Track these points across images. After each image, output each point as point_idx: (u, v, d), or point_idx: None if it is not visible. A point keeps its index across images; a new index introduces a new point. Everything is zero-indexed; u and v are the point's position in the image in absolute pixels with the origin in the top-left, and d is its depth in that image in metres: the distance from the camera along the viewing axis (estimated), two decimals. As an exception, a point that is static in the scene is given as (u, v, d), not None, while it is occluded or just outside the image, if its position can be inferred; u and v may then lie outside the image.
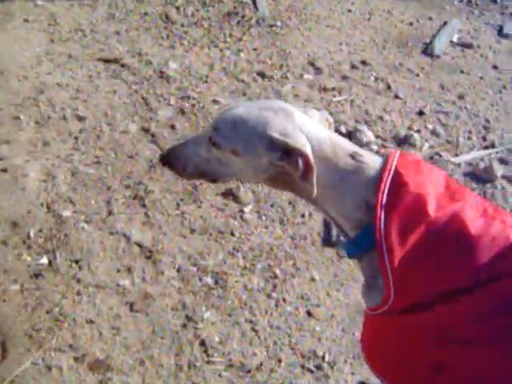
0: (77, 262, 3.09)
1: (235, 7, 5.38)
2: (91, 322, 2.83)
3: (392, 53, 5.15)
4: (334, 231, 3.47)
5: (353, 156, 1.75)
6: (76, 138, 3.81)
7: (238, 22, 5.22)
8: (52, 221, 3.27)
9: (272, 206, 3.60)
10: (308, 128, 1.77)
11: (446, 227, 1.60)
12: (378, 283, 1.71)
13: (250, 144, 1.72)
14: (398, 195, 1.64)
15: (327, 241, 3.45)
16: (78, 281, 3.00)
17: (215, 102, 4.30)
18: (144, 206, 3.46)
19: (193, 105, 4.24)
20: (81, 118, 3.95)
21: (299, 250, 3.36)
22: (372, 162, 1.73)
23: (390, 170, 1.68)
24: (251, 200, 3.61)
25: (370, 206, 1.68)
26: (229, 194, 3.62)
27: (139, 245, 3.23)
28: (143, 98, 4.23)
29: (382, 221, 1.63)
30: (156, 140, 3.89)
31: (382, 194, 1.65)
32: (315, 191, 1.67)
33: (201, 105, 4.25)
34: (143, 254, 3.19)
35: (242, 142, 1.73)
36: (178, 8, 5.27)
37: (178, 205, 3.51)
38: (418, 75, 4.90)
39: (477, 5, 6.12)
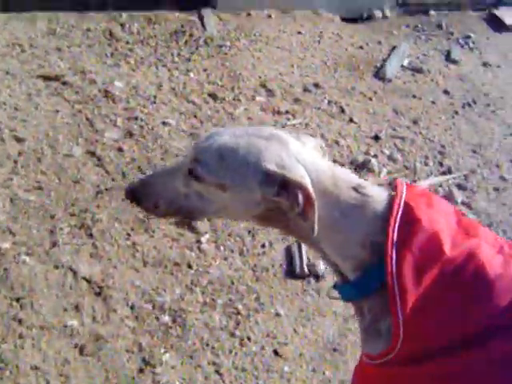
0: (18, 299, 2.76)
1: (182, 26, 5.16)
2: (36, 368, 2.52)
3: (344, 76, 5.06)
4: (297, 261, 3.28)
5: (356, 189, 1.57)
6: (15, 162, 3.48)
7: (186, 41, 5.00)
8: (-12, 254, 2.94)
9: (230, 235, 3.38)
10: (305, 157, 1.59)
11: (463, 267, 1.46)
12: (381, 329, 1.55)
13: (241, 177, 1.53)
14: (410, 232, 1.47)
15: (290, 272, 3.25)
16: (20, 322, 2.67)
17: (165, 123, 4.06)
18: (91, 236, 3.17)
19: (141, 126, 3.98)
20: (20, 140, 3.62)
21: (262, 282, 3.14)
22: (377, 195, 1.56)
23: (399, 203, 1.51)
24: (208, 229, 3.38)
25: (376, 244, 1.51)
26: (183, 223, 3.38)
27: (87, 280, 2.93)
28: (88, 119, 3.94)
29: (394, 260, 1.46)
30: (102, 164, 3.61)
31: (393, 230, 1.47)
32: (316, 230, 1.49)
33: (149, 126, 4.00)
34: (92, 289, 2.89)
35: (231, 175, 1.53)
36: (122, 25, 5.00)
37: (128, 235, 3.24)
38: (370, 99, 4.82)
39: (423, 30, 6.13)
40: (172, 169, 1.68)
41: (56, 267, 2.95)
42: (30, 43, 4.51)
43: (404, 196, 1.52)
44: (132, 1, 5.29)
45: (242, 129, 1.65)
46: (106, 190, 3.46)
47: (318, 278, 3.23)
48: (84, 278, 2.93)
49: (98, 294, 2.87)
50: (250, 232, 3.42)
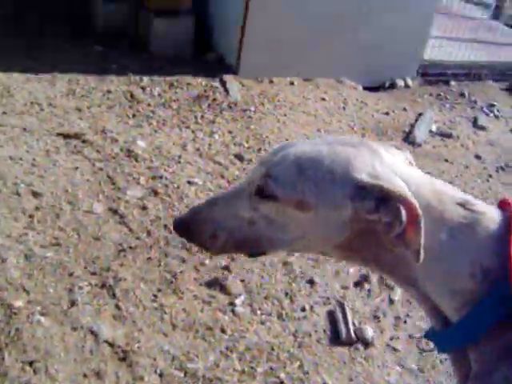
0: (31, 363, 2.41)
1: (205, 90, 5.02)
2: None
3: (372, 140, 4.86)
4: (342, 326, 2.93)
5: (463, 205, 1.29)
6: (31, 216, 3.20)
7: (209, 105, 4.84)
8: (0, 312, 2.60)
9: (266, 297, 3.05)
10: (400, 168, 1.32)
11: None
12: (498, 381, 1.21)
13: (327, 192, 1.27)
14: None
15: (335, 338, 2.90)
16: (33, 389, 2.31)
17: (190, 183, 3.81)
18: (114, 296, 2.84)
19: (166, 185, 3.73)
20: (36, 194, 3.36)
21: (305, 349, 2.79)
22: (490, 211, 1.29)
23: None
24: (242, 291, 3.05)
25: (487, 271, 1.24)
26: (215, 284, 3.06)
27: (110, 343, 2.59)
28: (109, 177, 3.69)
29: None
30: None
31: None
32: (422, 255, 1.21)
33: (175, 185, 3.75)
34: (116, 354, 2.54)
35: (314, 189, 1.27)
36: (143, 88, 4.86)
37: (154, 296, 2.91)
38: (403, 163, 4.59)
39: (447, 98, 6.01)
40: (232, 192, 1.42)
41: (74, 329, 2.61)
42: (49, 102, 4.34)
43: None
44: (151, 67, 5.19)
45: (320, 139, 1.40)
46: (130, 248, 3.16)
47: (366, 344, 2.88)
48: (106, 342, 2.58)
49: (123, 360, 2.52)
50: (287, 294, 3.09)
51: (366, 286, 3.26)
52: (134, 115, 4.46)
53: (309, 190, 1.27)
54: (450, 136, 5.17)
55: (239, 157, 4.22)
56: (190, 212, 1.42)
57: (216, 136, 4.43)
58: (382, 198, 1.22)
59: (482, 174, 4.70)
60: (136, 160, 3.91)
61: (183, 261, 3.16)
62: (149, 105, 4.65)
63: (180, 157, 4.06)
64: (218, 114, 4.72)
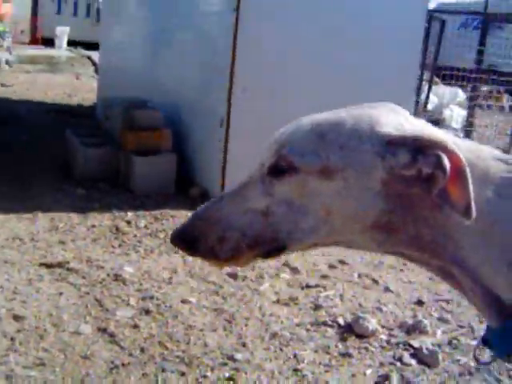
0: None
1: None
2: None
3: (368, 253, 4.71)
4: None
5: (506, 161, 1.15)
6: (12, 339, 2.90)
7: (196, 233, 4.71)
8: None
9: (279, 405, 2.71)
10: (427, 126, 1.21)
11: None
12: None
13: (353, 153, 1.13)
14: None
15: None
16: None
17: (184, 301, 3.56)
18: (108, 414, 2.50)
19: (157, 305, 3.48)
20: (18, 318, 3.08)
21: None
22: None
23: None
24: (251, 400, 2.72)
25: None
26: (220, 395, 2.73)
27: None
28: (96, 300, 3.43)
29: None
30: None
31: None
32: (473, 209, 1.04)
33: (167, 304, 3.49)
34: None
35: (339, 152, 1.14)
36: (128, 222, 4.74)
37: (156, 412, 2.57)
38: (402, 270, 4.42)
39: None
40: (238, 186, 1.25)
41: None
42: (31, 238, 4.17)
43: None
44: (135, 204, 5.12)
45: (334, 110, 1.26)
46: (123, 365, 2.84)
47: None
48: None
49: None
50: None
51: (387, 386, 2.94)
52: (119, 245, 4.29)
53: (333, 153, 1.13)
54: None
55: (233, 276, 4.01)
56: (190, 218, 1.26)
57: (207, 259, 4.24)
58: (419, 149, 1.08)
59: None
60: (124, 283, 3.68)
61: (182, 374, 2.84)
62: (135, 236, 4.50)
63: (171, 278, 3.85)
64: (206, 240, 4.57)
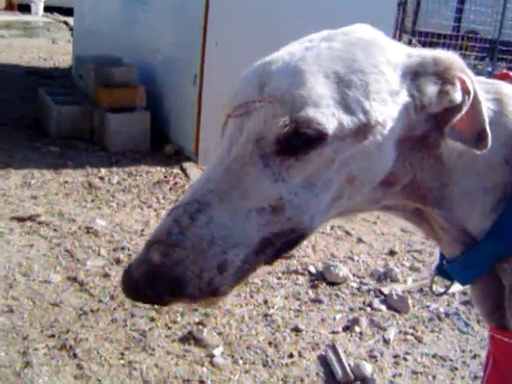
0: (-24, 426, 2.03)
1: (165, 176, 4.89)
2: None
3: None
4: (337, 366, 2.61)
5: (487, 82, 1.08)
6: (-20, 288, 2.89)
7: (171, 188, 4.70)
8: None
9: (248, 348, 2.73)
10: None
11: None
12: None
13: (382, 94, 0.93)
14: None
15: (332, 380, 2.57)
16: None
17: (156, 252, 3.55)
18: (75, 356, 2.51)
19: (129, 255, 3.47)
20: (-13, 268, 3.07)
21: (297, 393, 2.45)
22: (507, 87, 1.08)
23: None
24: (219, 343, 2.74)
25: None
26: (189, 339, 2.74)
27: (72, 401, 2.23)
28: (67, 251, 3.42)
29: None
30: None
31: None
32: (489, 139, 0.95)
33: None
34: (79, 411, 2.18)
35: (369, 99, 0.91)
36: (101, 178, 4.71)
37: (121, 354, 2.58)
38: (375, 223, 4.44)
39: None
40: (223, 181, 0.89)
41: (30, 389, 2.25)
42: (3, 193, 4.13)
43: None
44: (109, 161, 5.08)
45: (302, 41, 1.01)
46: (92, 311, 2.85)
47: (364, 381, 2.55)
48: (67, 399, 2.22)
49: (87, 415, 2.15)
50: (271, 343, 2.78)
51: (357, 329, 2.97)
52: (92, 200, 4.26)
53: (364, 103, 0.90)
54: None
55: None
56: (155, 247, 0.85)
57: (180, 213, 4.23)
58: (441, 75, 0.96)
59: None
60: (95, 235, 3.67)
61: (152, 319, 2.85)
62: (108, 191, 4.47)
63: (143, 231, 3.84)
64: (180, 195, 4.56)
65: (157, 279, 0.83)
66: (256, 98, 0.89)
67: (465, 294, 3.41)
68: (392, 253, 3.92)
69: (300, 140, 0.86)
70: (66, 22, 15.44)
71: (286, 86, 0.88)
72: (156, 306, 2.91)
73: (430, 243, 4.15)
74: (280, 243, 0.90)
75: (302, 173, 0.88)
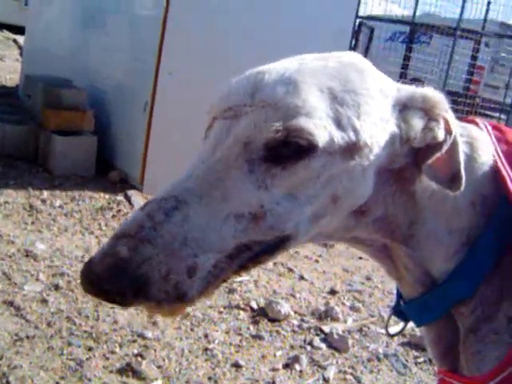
0: None
1: (109, 203, 4.82)
2: None
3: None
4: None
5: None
6: None
7: (114, 215, 4.62)
8: None
9: (188, 382, 2.69)
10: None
11: None
12: (498, 328, 1.04)
13: (373, 117, 0.96)
14: None
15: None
16: None
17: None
18: (8, 383, 2.40)
19: (68, 281, 3.39)
20: None
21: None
22: (481, 136, 1.13)
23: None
24: (158, 375, 2.68)
25: (485, 198, 1.07)
26: (127, 370, 2.68)
27: (1, 432, 2.13)
28: (4, 274, 3.31)
29: None
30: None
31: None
32: (463, 182, 0.98)
33: (79, 281, 3.40)
34: None
35: (361, 119, 0.94)
36: (43, 200, 4.60)
37: (56, 383, 2.49)
38: (317, 261, 4.48)
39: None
40: (204, 183, 0.87)
41: (-43, 418, 2.14)
42: None
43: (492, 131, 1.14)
44: (52, 184, 4.97)
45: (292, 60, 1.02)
46: (28, 337, 2.75)
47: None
48: (-3, 429, 2.13)
49: None
50: (211, 378, 2.75)
51: (297, 366, 2.97)
52: (32, 222, 4.15)
53: (355, 123, 0.92)
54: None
55: (149, 258, 3.95)
56: (123, 241, 0.80)
57: (123, 240, 4.17)
58: (426, 112, 0.99)
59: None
60: (35, 259, 3.56)
61: (90, 349, 2.78)
62: (49, 214, 4.37)
63: (83, 257, 3.75)
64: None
65: (122, 274, 0.77)
66: (247, 102, 0.89)
67: (404, 335, 3.47)
68: (333, 292, 3.96)
69: (289, 149, 0.86)
70: (15, 40, 15.18)
71: (280, 94, 0.88)
72: (94, 336, 2.85)
73: (370, 284, 4.23)
74: (259, 248, 0.88)
75: (286, 184, 0.88)
